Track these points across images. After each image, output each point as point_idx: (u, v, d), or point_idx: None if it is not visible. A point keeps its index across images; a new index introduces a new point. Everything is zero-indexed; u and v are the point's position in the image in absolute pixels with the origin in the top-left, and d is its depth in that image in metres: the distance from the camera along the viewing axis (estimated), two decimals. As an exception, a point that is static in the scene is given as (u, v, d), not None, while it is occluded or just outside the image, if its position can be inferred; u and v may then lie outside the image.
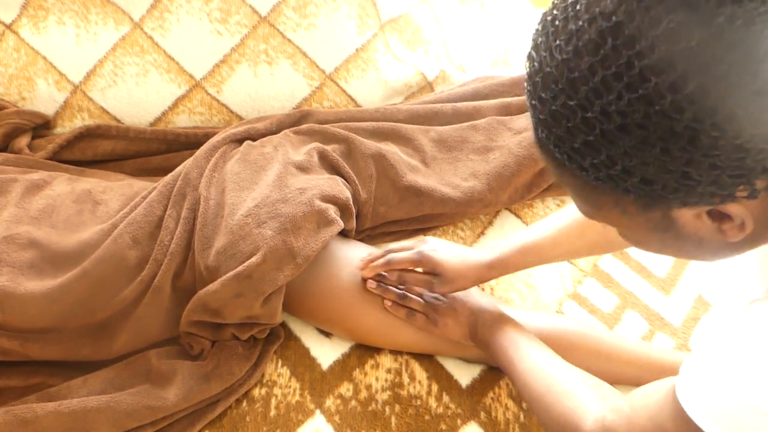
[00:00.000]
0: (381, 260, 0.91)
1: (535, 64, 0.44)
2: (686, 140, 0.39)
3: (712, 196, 0.42)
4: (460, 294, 0.91)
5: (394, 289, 0.92)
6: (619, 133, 0.40)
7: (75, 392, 0.86)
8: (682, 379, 0.55)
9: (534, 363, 0.79)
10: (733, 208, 0.43)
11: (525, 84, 0.46)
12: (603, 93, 0.40)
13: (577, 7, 0.41)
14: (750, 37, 0.37)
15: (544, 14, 0.44)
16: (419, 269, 0.92)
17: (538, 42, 0.44)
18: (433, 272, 0.90)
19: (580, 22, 0.41)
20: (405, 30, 1.21)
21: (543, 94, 0.43)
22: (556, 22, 0.42)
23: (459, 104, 1.13)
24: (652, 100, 0.39)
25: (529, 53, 0.45)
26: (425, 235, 1.02)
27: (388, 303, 0.91)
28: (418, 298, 0.91)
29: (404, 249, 0.92)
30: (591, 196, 0.47)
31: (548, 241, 0.86)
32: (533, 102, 0.45)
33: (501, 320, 0.86)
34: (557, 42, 0.42)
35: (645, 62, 0.38)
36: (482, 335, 0.86)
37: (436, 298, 0.91)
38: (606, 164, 0.42)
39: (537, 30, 0.45)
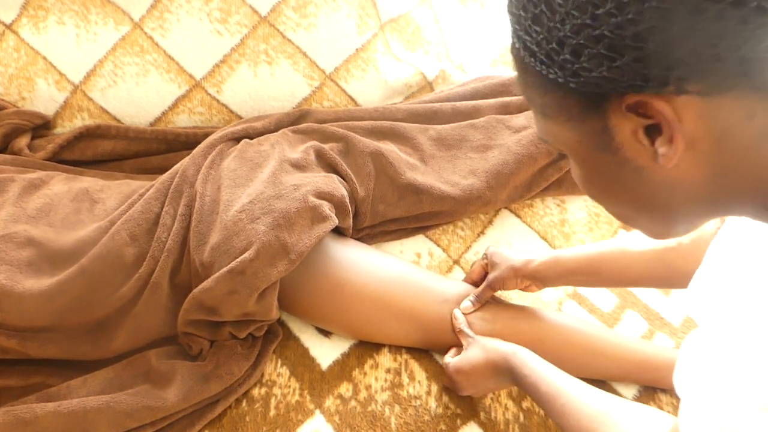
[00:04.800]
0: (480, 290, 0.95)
1: None
2: (614, 3, 0.39)
3: (637, 79, 0.41)
4: (469, 354, 0.86)
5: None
6: None
7: (75, 392, 0.86)
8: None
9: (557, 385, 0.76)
10: (659, 106, 0.41)
11: None
12: None
13: None
14: None
15: None
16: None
17: None
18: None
19: None
20: (405, 30, 1.21)
21: None
22: None
23: (458, 103, 1.13)
24: None
25: None
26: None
27: None
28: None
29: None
30: (542, 101, 0.48)
31: (595, 261, 0.87)
32: None
33: (515, 356, 0.82)
34: None
35: None
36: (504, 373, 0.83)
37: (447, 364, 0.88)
38: (547, 39, 0.43)
39: None
